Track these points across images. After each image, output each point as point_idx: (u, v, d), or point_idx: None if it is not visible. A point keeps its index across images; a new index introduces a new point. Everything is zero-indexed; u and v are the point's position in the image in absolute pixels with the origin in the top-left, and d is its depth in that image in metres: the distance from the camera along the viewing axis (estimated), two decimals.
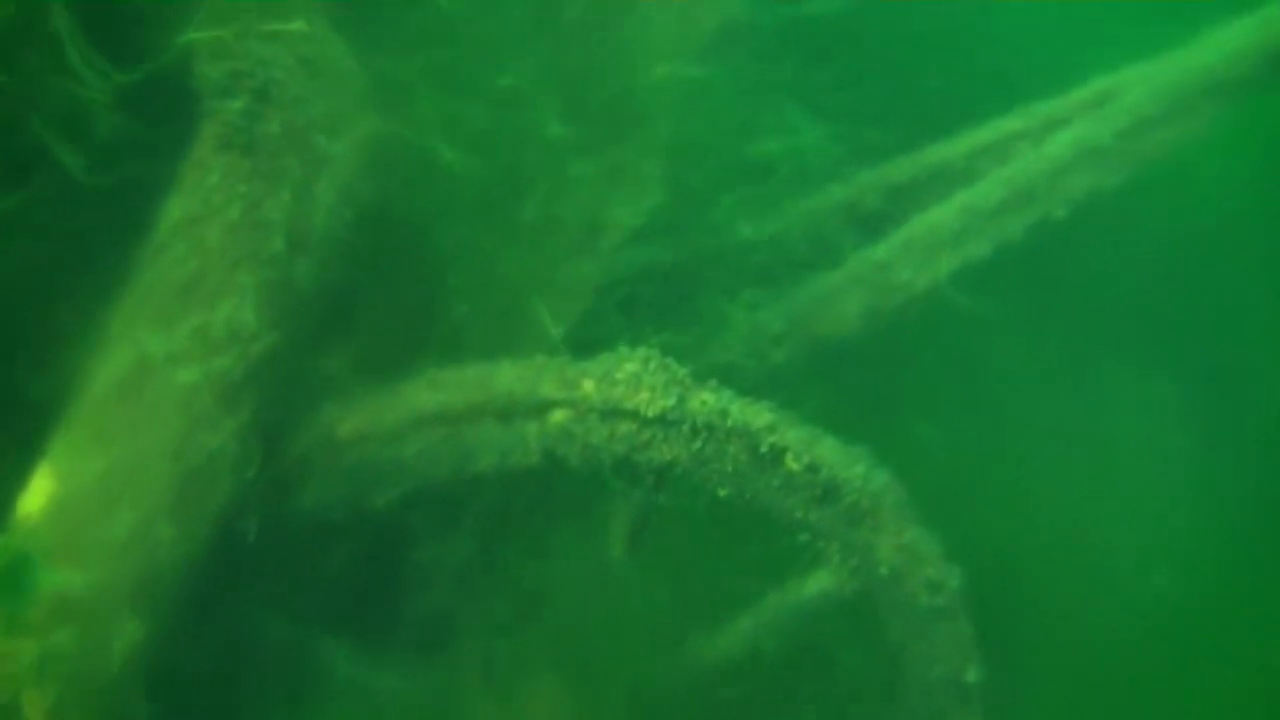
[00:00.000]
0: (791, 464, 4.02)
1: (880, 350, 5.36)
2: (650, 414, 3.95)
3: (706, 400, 3.99)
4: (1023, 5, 6.75)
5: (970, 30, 6.68)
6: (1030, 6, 6.79)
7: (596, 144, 4.73)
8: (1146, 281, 6.34)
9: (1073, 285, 6.19)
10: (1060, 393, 6.14)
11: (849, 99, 5.80)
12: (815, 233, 5.52)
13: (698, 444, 3.98)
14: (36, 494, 3.56)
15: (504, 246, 4.54)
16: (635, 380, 3.98)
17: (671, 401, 3.96)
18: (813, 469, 4.03)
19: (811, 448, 4.04)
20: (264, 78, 3.94)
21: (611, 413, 3.97)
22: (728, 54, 5.47)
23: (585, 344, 4.17)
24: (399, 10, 4.42)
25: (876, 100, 5.85)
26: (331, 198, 4.02)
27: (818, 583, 4.46)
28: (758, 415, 4.02)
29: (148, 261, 3.81)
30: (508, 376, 4.06)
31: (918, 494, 4.23)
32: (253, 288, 3.83)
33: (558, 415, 4.01)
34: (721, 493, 4.05)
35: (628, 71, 5.08)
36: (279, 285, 3.89)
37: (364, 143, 4.11)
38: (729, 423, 3.98)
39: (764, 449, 3.99)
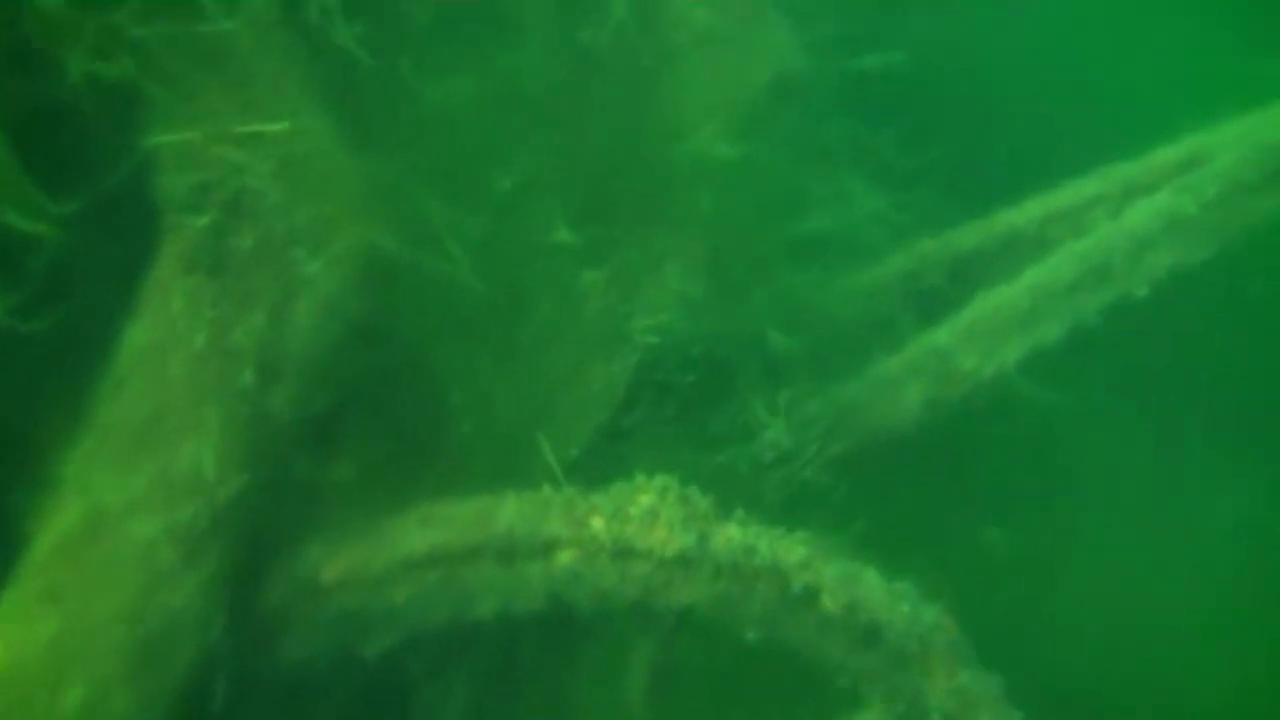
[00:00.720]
0: (828, 604, 3.61)
1: (941, 446, 4.91)
2: (667, 554, 3.57)
3: (731, 536, 3.61)
4: (1104, 57, 6.26)
5: (1046, 83, 6.22)
6: (1113, 58, 6.29)
7: (617, 243, 4.35)
8: (1239, 365, 5.79)
9: (1157, 371, 5.66)
10: (1146, 492, 5.59)
11: (912, 163, 5.39)
12: (870, 315, 5.10)
13: (722, 585, 3.59)
14: None
15: (507, 366, 4.18)
16: (651, 516, 3.62)
17: (691, 540, 3.58)
18: (851, 609, 3.62)
19: (850, 585, 3.64)
20: (235, 187, 3.60)
21: (624, 553, 3.60)
22: (778, 114, 5.08)
23: (599, 471, 3.79)
24: (393, 104, 4.04)
25: (942, 164, 5.41)
26: (312, 317, 3.67)
27: None
28: (789, 550, 3.63)
29: (103, 399, 3.50)
30: (509, 513, 3.70)
31: (981, 612, 3.80)
32: (220, 426, 3.50)
33: (564, 556, 3.65)
34: (750, 635, 3.65)
35: (663, 141, 4.71)
36: (250, 420, 3.55)
37: (352, 254, 3.75)
38: (757, 561, 3.58)
39: (796, 588, 3.58)
